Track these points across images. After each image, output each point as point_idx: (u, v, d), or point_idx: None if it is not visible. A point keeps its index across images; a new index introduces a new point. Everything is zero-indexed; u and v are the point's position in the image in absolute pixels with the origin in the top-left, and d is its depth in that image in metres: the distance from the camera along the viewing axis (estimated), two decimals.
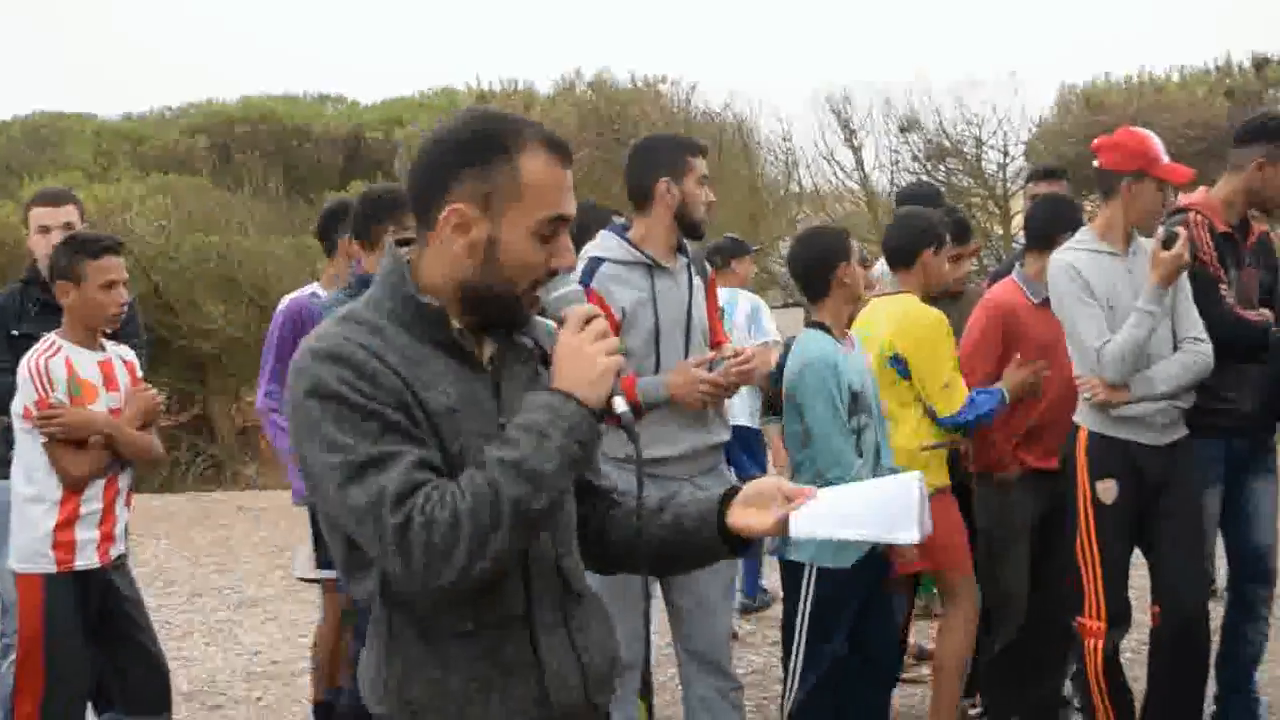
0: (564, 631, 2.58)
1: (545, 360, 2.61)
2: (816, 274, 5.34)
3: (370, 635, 2.56)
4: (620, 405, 2.47)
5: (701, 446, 4.91)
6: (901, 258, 5.91)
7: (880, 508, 2.51)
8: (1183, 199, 5.84)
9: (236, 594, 10.10)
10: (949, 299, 6.33)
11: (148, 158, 25.25)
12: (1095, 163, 5.38)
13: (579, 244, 6.21)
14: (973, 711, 6.41)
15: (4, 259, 17.20)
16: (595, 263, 4.86)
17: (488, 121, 2.52)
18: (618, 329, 4.71)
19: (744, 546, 2.69)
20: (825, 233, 5.78)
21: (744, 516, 2.63)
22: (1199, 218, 5.59)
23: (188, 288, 19.59)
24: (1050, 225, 5.99)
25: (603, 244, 4.95)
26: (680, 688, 5.18)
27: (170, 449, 20.16)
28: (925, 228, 5.95)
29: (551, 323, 2.62)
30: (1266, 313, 5.54)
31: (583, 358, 2.44)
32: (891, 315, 5.72)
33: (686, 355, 4.92)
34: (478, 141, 2.49)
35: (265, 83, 61.59)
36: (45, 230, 5.77)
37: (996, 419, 5.79)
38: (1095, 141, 5.46)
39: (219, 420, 19.85)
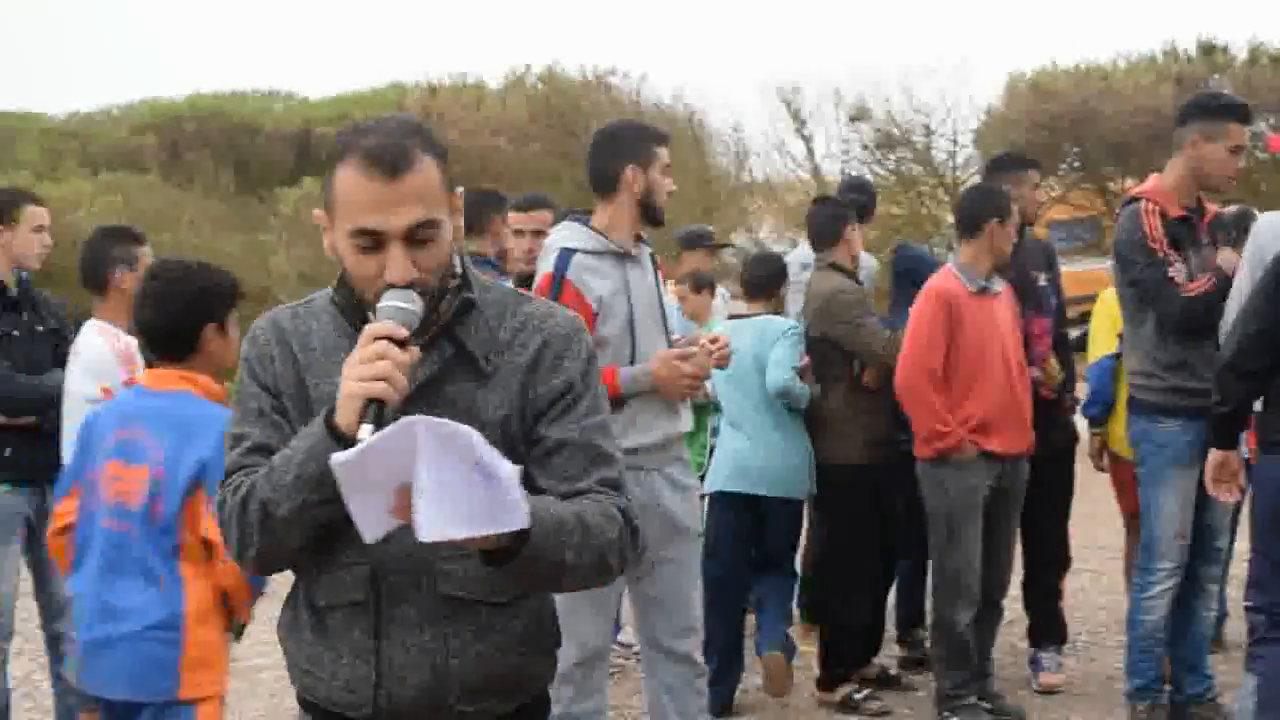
0: (425, 632, 2.57)
1: (473, 361, 2.57)
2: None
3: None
4: (365, 434, 2.28)
5: (673, 434, 4.94)
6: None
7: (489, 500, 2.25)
8: (1134, 188, 5.93)
9: None
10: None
11: (96, 156, 25.13)
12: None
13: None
14: (857, 695, 6.53)
15: None
16: (567, 254, 4.83)
17: (345, 132, 2.58)
18: (593, 320, 4.72)
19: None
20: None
21: None
22: (1150, 205, 5.67)
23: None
24: (979, 212, 6.12)
25: (572, 234, 4.92)
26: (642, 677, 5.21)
27: None
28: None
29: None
30: (1207, 277, 5.61)
31: (345, 376, 2.38)
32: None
33: (664, 343, 4.95)
34: (331, 150, 2.59)
35: (212, 79, 61.27)
36: (41, 229, 5.77)
37: (950, 408, 5.94)
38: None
39: None
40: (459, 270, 2.62)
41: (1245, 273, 5.26)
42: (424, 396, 2.51)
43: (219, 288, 4.18)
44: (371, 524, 2.27)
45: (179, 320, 4.06)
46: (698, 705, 5.00)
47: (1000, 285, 6.18)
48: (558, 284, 4.75)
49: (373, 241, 2.46)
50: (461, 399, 2.55)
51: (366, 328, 2.42)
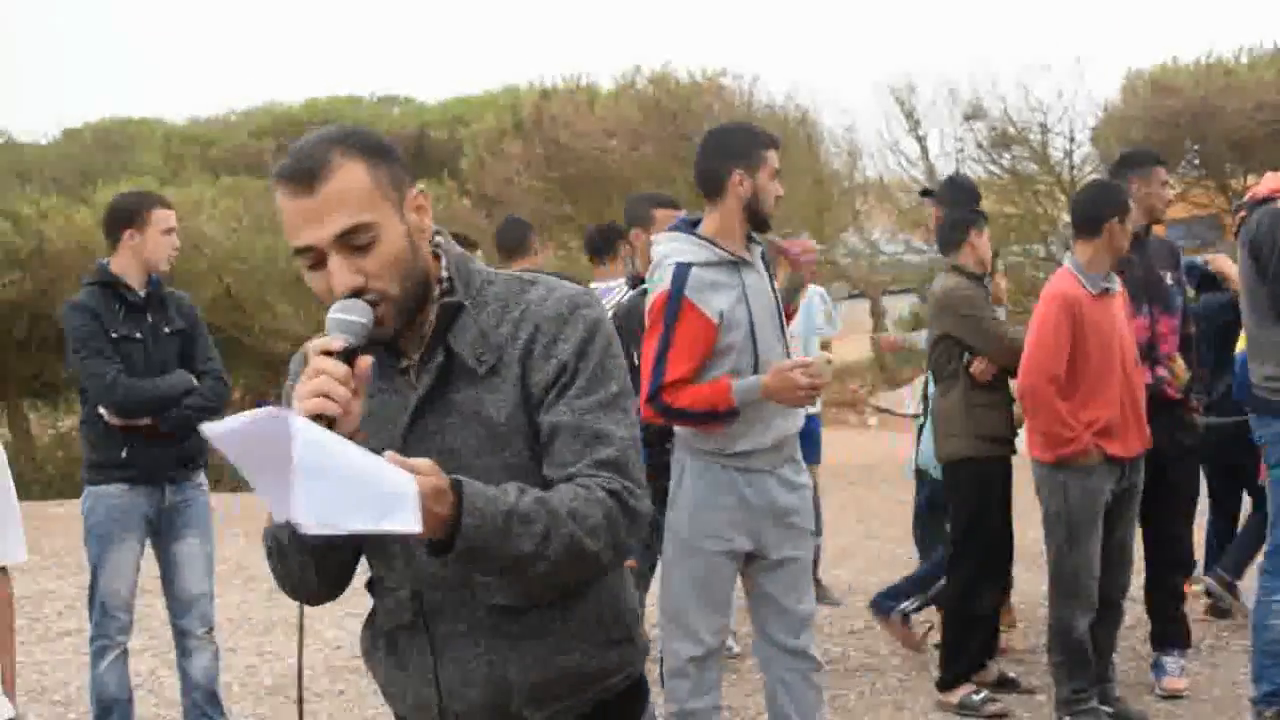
0: (478, 644, 2.57)
1: (465, 363, 2.52)
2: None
3: None
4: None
5: (788, 434, 4.94)
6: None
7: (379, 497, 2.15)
8: (1262, 186, 5.80)
9: None
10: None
11: (216, 160, 25.60)
12: None
13: (626, 230, 6.56)
14: (976, 697, 6.50)
15: (85, 261, 17.46)
16: (684, 269, 4.75)
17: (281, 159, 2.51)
18: (714, 334, 4.71)
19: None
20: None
21: None
22: None
23: (258, 289, 19.86)
24: (1097, 210, 6.02)
25: (682, 247, 4.83)
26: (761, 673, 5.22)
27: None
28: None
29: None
30: None
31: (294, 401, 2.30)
32: None
33: (782, 345, 4.94)
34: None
35: (329, 84, 62.02)
36: (170, 231, 5.88)
37: (1074, 413, 5.87)
38: None
39: None
40: (445, 275, 2.56)
41: None
42: (431, 407, 2.51)
43: None
44: (278, 506, 2.13)
45: None
46: (814, 699, 5.00)
47: (1118, 284, 6.09)
48: (676, 302, 4.71)
49: (314, 258, 2.41)
50: (468, 403, 2.51)
51: (306, 344, 2.39)
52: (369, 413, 2.41)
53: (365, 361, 2.34)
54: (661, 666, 5.10)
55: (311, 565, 2.54)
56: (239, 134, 27.20)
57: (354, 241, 2.39)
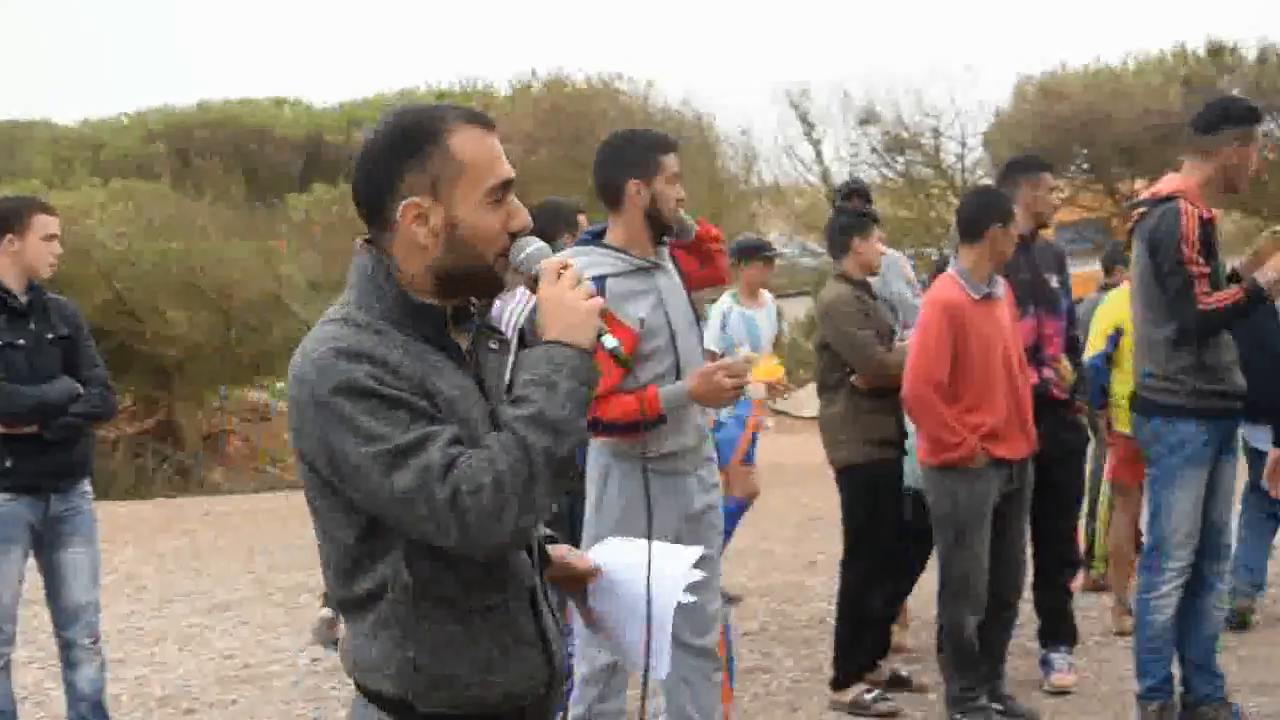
0: (548, 602, 2.76)
1: (522, 342, 2.77)
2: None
3: (377, 620, 2.60)
4: (610, 342, 2.62)
5: (704, 431, 5.00)
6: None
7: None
8: (1162, 186, 5.90)
9: (207, 598, 10.08)
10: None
11: (107, 164, 25.15)
12: None
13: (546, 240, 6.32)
14: (868, 695, 6.54)
15: None
16: (599, 282, 4.71)
17: (410, 116, 2.63)
18: (635, 343, 4.71)
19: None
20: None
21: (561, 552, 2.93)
22: (1187, 205, 5.67)
23: (150, 294, 19.58)
24: (980, 216, 6.10)
25: (594, 259, 4.82)
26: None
27: (136, 455, 20.16)
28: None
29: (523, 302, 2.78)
30: (1234, 291, 5.62)
31: (565, 307, 2.57)
32: None
33: (699, 344, 4.99)
34: (408, 137, 2.60)
35: (222, 87, 61.34)
36: (51, 238, 5.77)
37: (960, 417, 5.93)
38: None
39: (184, 426, 19.82)
40: None
41: None
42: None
43: None
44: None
45: None
46: (714, 697, 5.03)
47: (1001, 288, 6.17)
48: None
49: (502, 194, 2.61)
50: (502, 369, 2.76)
51: (546, 264, 2.62)
52: (456, 384, 2.60)
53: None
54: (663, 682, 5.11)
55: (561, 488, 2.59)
56: (130, 137, 26.74)
57: None
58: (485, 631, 2.61)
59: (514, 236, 2.63)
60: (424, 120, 2.60)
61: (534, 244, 2.65)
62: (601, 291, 4.68)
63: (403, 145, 2.58)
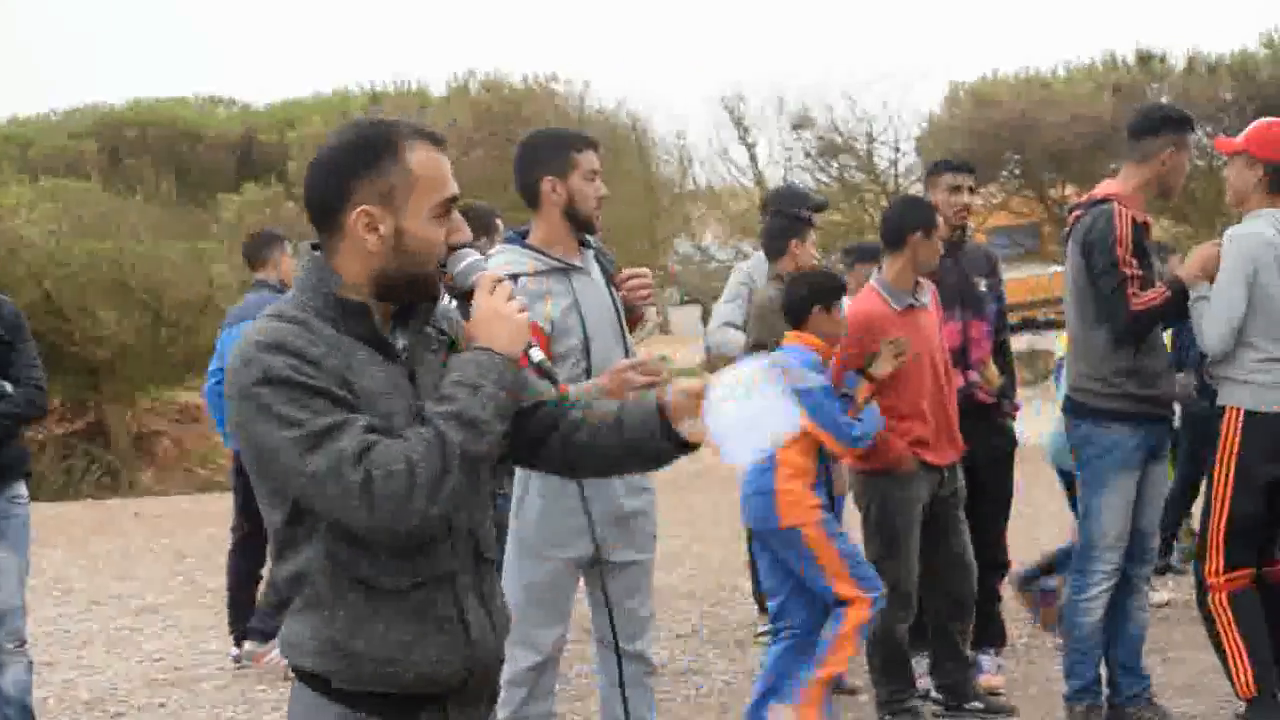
0: (478, 592, 2.84)
1: (453, 346, 2.86)
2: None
3: (304, 601, 2.74)
4: (537, 355, 2.83)
5: None
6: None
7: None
8: (1098, 190, 5.97)
9: (136, 601, 9.97)
10: None
11: (35, 162, 24.86)
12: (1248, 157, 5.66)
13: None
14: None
15: None
16: (511, 280, 4.73)
17: (370, 129, 2.81)
18: (547, 342, 4.67)
19: (692, 447, 2.97)
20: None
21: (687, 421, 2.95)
22: (1121, 208, 5.73)
23: (80, 294, 19.37)
24: (900, 224, 6.14)
25: (510, 258, 4.81)
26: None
27: (65, 456, 19.95)
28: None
29: (453, 308, 2.85)
30: (1160, 289, 5.70)
31: (498, 317, 2.76)
32: None
33: (621, 351, 4.89)
34: (366, 148, 2.75)
35: (154, 85, 60.80)
36: None
37: (889, 425, 5.96)
38: (1247, 138, 5.67)
39: (114, 427, 19.61)
40: None
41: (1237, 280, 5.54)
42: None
43: None
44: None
45: None
46: (647, 701, 5.03)
47: (927, 296, 6.20)
48: None
49: (447, 209, 2.78)
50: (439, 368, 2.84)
51: (483, 277, 2.83)
52: (382, 380, 2.72)
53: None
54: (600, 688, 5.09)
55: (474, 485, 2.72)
56: (59, 135, 26.45)
57: None
58: (400, 614, 2.72)
59: (453, 249, 2.82)
60: (384, 133, 2.76)
61: (471, 256, 2.83)
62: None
63: (361, 155, 2.74)
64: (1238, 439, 5.64)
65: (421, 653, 2.72)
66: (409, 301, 2.82)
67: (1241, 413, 5.64)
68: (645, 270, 5.17)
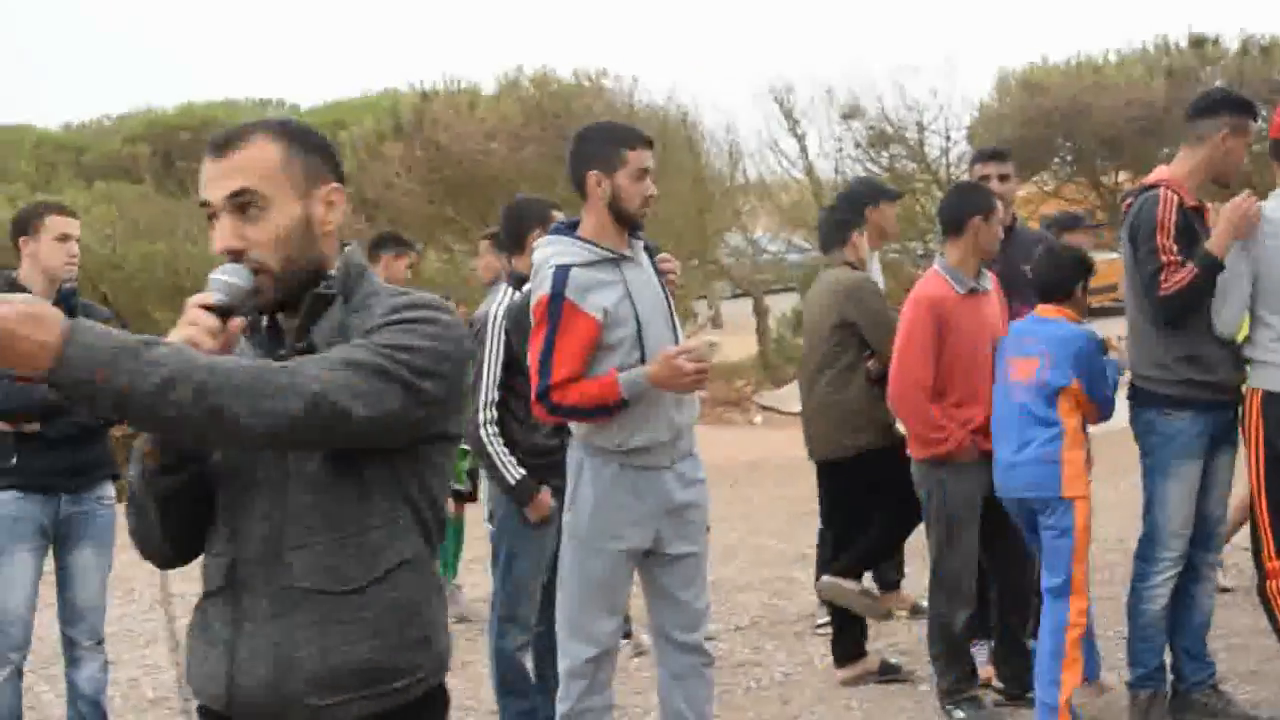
0: (274, 623, 2.60)
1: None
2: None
3: None
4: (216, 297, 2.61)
5: (683, 425, 4.91)
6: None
7: None
8: (1151, 176, 5.93)
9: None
10: None
11: (90, 167, 25.15)
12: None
13: (515, 237, 6.09)
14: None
15: None
16: (563, 270, 4.73)
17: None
18: (597, 332, 4.70)
19: None
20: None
21: None
22: (1168, 193, 5.69)
23: (136, 297, 19.57)
24: (960, 210, 6.12)
25: (560, 249, 4.82)
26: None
27: (128, 459, 20.02)
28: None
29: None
30: (1189, 267, 5.64)
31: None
32: None
33: (672, 338, 4.89)
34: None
35: (206, 89, 61.23)
36: (65, 238, 5.77)
37: (950, 414, 5.96)
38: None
39: None
40: (333, 273, 2.69)
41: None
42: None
43: None
44: None
45: None
46: (706, 694, 5.04)
47: (989, 281, 6.19)
48: (557, 304, 4.69)
49: (209, 215, 2.65)
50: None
51: (190, 299, 2.60)
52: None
53: (237, 323, 2.56)
54: (552, 667, 5.11)
55: (157, 511, 2.65)
56: (113, 140, 26.77)
57: (240, 202, 2.61)
58: (196, 621, 2.73)
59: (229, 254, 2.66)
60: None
61: (216, 275, 2.63)
62: (565, 280, 4.72)
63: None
64: (1261, 422, 5.61)
65: (199, 668, 2.69)
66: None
67: (1260, 394, 5.61)
68: (668, 255, 5.18)
